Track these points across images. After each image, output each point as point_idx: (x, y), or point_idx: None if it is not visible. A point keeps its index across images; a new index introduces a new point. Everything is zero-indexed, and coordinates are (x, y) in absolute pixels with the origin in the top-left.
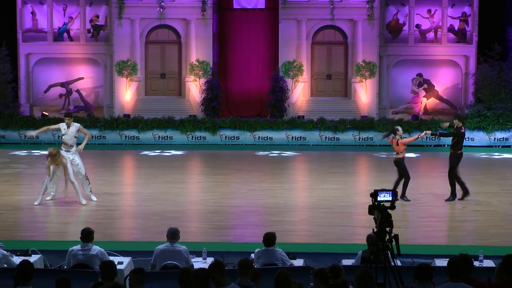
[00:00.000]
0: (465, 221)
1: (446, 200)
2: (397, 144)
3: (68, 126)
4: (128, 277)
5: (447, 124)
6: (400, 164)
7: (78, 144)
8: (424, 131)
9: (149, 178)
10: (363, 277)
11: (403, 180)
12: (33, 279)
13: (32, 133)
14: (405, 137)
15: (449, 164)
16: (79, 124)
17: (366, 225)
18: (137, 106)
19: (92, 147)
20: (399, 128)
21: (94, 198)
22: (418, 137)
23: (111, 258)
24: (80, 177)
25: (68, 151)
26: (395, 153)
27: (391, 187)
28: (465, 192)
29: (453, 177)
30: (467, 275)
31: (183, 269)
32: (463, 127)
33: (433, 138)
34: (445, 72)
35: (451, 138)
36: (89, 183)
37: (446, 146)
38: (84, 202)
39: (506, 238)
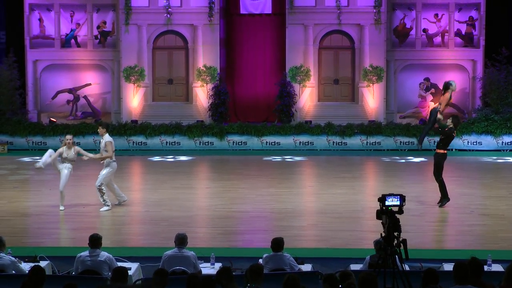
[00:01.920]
0: (474, 226)
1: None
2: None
3: (102, 136)
4: (136, 282)
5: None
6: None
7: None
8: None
9: (156, 184)
10: (366, 279)
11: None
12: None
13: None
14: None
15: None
16: (111, 139)
17: (374, 229)
18: (144, 112)
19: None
20: (453, 82)
21: (101, 208)
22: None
23: (119, 264)
24: (96, 186)
25: (114, 161)
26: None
27: (399, 191)
28: (444, 197)
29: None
30: (477, 279)
31: (191, 274)
32: (454, 131)
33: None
34: (452, 76)
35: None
36: (101, 195)
37: (453, 150)
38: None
39: None
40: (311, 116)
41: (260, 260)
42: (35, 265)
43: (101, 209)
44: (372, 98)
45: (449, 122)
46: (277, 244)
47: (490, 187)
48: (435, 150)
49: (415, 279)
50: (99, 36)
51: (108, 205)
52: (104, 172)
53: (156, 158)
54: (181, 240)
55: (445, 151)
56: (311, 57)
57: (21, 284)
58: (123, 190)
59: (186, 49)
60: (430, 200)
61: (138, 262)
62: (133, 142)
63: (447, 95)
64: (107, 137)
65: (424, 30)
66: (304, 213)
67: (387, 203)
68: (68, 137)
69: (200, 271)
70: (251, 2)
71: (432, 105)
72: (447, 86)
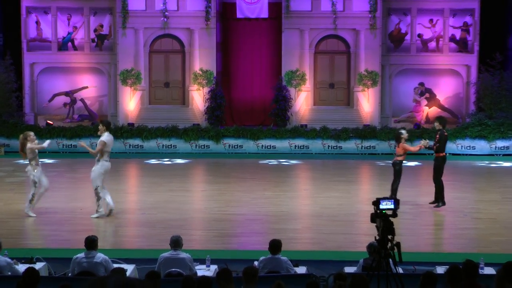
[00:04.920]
0: (466, 229)
1: (431, 204)
2: (398, 146)
3: (101, 134)
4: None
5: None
6: (396, 166)
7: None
8: (426, 140)
9: (153, 187)
10: (357, 281)
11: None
12: (38, 287)
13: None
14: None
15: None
16: (106, 139)
17: (368, 233)
18: (141, 115)
19: None
20: (403, 131)
21: (92, 215)
22: (420, 148)
23: (115, 265)
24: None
25: (107, 161)
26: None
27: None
28: (440, 199)
29: (439, 181)
30: (471, 280)
31: (186, 276)
32: (445, 131)
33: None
34: (446, 81)
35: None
36: (97, 199)
37: (447, 154)
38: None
39: (507, 246)
40: (307, 120)
41: (256, 263)
42: (28, 267)
43: (92, 215)
44: (367, 103)
45: (437, 125)
46: (275, 246)
47: (483, 191)
48: (433, 154)
49: (408, 282)
50: (96, 39)
51: (99, 211)
52: (93, 168)
53: (153, 161)
54: (175, 243)
55: (444, 154)
56: (307, 61)
57: (16, 286)
58: (120, 192)
59: (182, 53)
60: (424, 204)
61: (134, 264)
62: (130, 145)
63: (401, 145)
64: (103, 136)
65: (419, 35)
66: (299, 216)
67: (381, 206)
68: (30, 133)
69: (196, 273)
70: (248, 6)
71: (427, 109)
72: (398, 136)
